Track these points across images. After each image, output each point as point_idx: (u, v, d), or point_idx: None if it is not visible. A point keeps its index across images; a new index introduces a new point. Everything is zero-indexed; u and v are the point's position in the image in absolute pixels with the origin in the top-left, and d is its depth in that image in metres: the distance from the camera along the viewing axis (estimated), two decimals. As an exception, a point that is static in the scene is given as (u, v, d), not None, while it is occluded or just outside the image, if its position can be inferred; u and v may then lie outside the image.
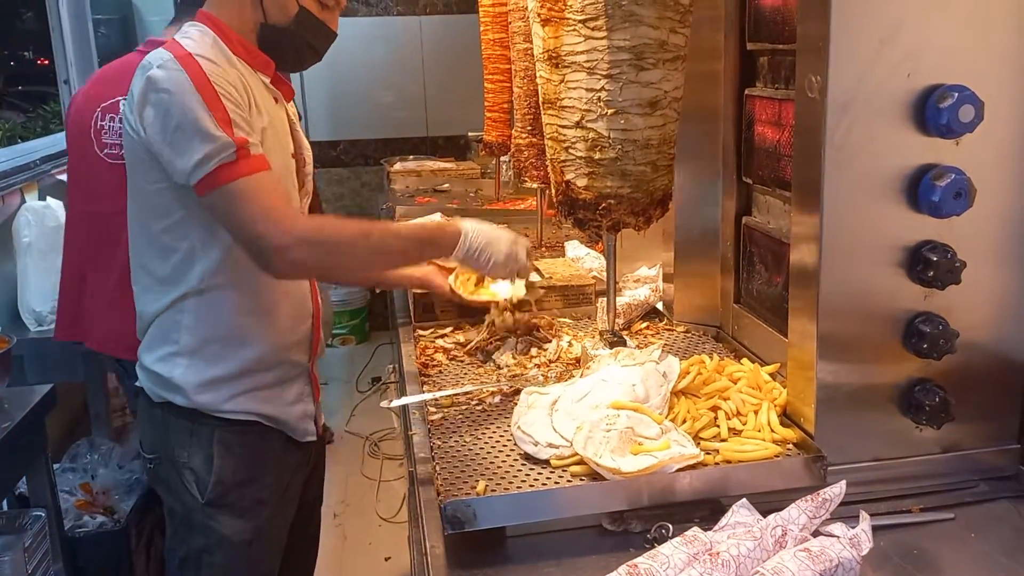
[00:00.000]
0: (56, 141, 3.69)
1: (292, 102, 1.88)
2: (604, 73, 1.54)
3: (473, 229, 1.71)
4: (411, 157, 5.32)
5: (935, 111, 1.33)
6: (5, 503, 2.52)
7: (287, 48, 1.77)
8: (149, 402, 1.79)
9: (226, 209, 1.57)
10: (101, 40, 4.13)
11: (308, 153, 1.90)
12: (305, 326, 1.86)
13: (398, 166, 4.92)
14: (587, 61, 1.54)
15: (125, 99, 1.68)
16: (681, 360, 1.67)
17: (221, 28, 1.71)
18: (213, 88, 1.56)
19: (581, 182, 1.65)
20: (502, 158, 4.00)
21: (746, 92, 1.85)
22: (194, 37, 1.67)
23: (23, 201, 3.04)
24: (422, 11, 5.85)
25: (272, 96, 1.77)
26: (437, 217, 3.27)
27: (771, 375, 1.67)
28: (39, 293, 2.93)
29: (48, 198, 3.06)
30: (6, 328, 2.79)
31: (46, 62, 3.97)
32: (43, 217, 2.93)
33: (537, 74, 1.68)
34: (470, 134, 5.21)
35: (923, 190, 1.37)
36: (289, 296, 1.81)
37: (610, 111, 1.56)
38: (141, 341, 1.78)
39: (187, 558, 1.79)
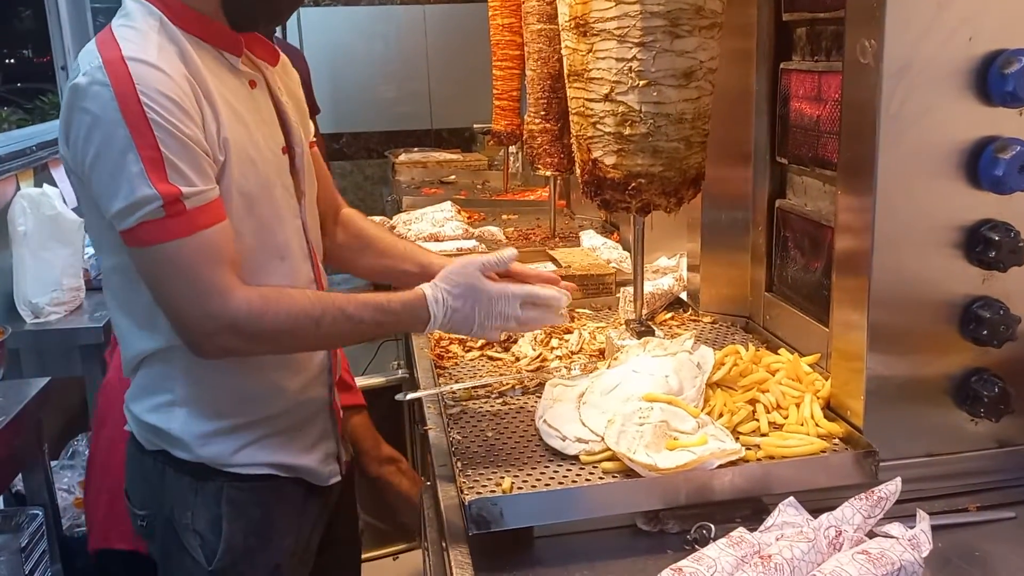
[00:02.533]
0: (53, 128, 3.60)
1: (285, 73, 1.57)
2: (636, 41, 1.44)
3: (443, 301, 1.42)
4: (416, 149, 5.24)
5: (999, 78, 1.24)
6: (1, 501, 2.44)
7: (257, 5, 1.43)
8: (139, 448, 1.51)
9: (149, 272, 1.33)
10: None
11: (299, 140, 1.54)
12: (320, 355, 1.58)
13: (403, 157, 4.84)
14: (618, 28, 1.44)
15: None
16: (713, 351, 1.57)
17: (168, 4, 1.36)
18: (143, 113, 1.26)
19: (609, 160, 1.55)
20: (511, 148, 3.91)
21: (781, 67, 1.75)
22: (135, 23, 1.34)
23: (18, 188, 2.95)
24: (426, 0, 5.77)
25: (246, 81, 1.44)
26: (447, 206, 3.19)
27: (810, 366, 1.57)
28: (36, 284, 2.84)
29: (44, 185, 2.97)
30: (1, 320, 2.69)
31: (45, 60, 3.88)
32: (39, 205, 2.83)
33: (562, 44, 1.58)
34: (475, 126, 5.13)
35: (984, 164, 1.27)
36: None
37: (642, 82, 1.46)
38: (130, 381, 1.52)
39: None
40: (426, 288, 1.44)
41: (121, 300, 1.44)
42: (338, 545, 1.77)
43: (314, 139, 1.67)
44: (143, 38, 1.32)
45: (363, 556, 2.14)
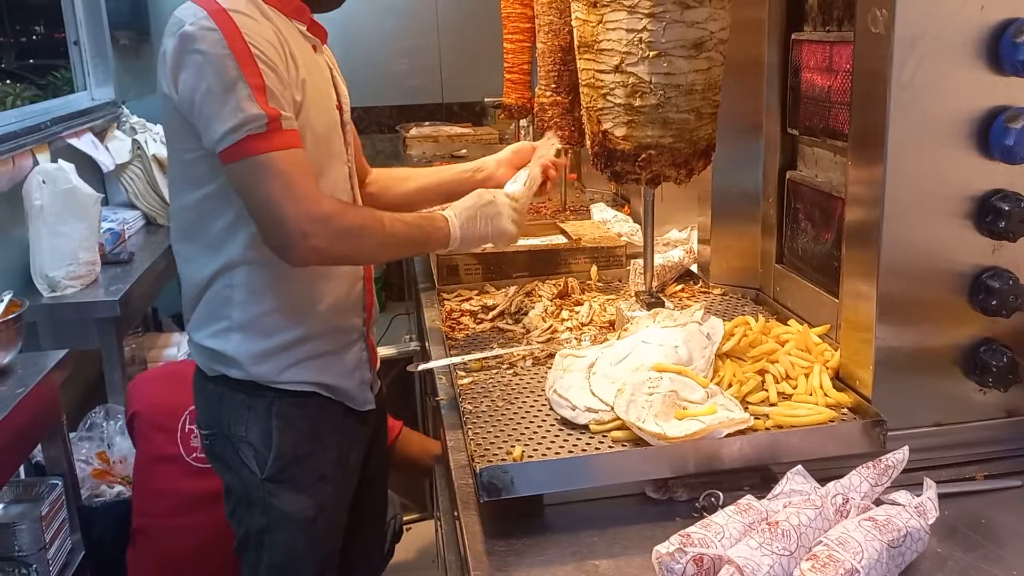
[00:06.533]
0: (67, 103, 3.61)
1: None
2: (646, 12, 1.43)
3: (460, 221, 1.69)
4: (427, 123, 5.22)
5: (1011, 47, 1.23)
6: (22, 471, 2.47)
7: None
8: (203, 376, 1.72)
9: (249, 181, 1.49)
10: (111, 3, 4.03)
11: (347, 101, 1.77)
12: (358, 287, 1.76)
13: (414, 131, 4.82)
14: (628, -1, 1.44)
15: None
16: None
17: None
18: (249, 49, 1.46)
19: (619, 131, 1.55)
20: (522, 121, 3.89)
21: (793, 37, 1.74)
22: None
23: (35, 163, 2.96)
24: (437, -27, 5.72)
25: (310, 44, 1.65)
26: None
27: (820, 337, 1.58)
28: (53, 258, 2.85)
29: (60, 160, 2.98)
30: (19, 294, 2.71)
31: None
32: (55, 179, 2.83)
33: (572, 16, 1.57)
34: (486, 100, 5.10)
35: (995, 134, 1.27)
36: None
37: (652, 53, 1.46)
38: (189, 317, 1.71)
39: (247, 539, 1.71)
40: (444, 212, 1.72)
41: (195, 230, 1.63)
42: (376, 475, 1.97)
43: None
44: None
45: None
